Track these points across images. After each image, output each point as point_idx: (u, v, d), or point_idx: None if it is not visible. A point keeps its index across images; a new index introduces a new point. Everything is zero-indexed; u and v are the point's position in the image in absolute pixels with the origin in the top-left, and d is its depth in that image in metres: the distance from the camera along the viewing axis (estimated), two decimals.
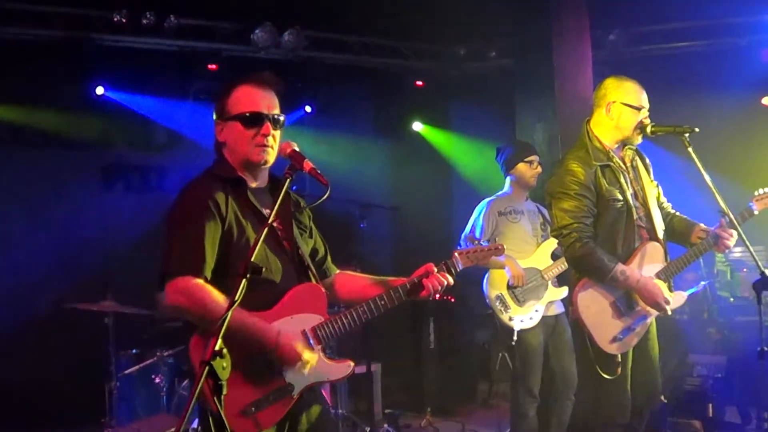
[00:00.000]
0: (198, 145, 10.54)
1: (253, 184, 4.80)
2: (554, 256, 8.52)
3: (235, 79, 4.84)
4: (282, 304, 4.64)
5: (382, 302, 4.86)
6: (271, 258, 4.66)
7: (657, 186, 6.79)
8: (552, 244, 8.51)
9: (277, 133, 4.76)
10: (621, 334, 6.32)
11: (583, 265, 6.39)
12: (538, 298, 8.43)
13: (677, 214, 6.90)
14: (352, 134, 12.55)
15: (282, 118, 4.79)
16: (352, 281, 5.18)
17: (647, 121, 6.46)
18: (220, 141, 4.79)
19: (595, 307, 6.33)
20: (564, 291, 8.42)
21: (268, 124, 4.70)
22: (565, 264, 7.85)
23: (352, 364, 4.87)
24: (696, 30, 11.61)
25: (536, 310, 8.41)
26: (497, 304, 8.38)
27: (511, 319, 8.37)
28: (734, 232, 6.51)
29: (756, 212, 6.75)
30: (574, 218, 6.34)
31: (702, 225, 6.70)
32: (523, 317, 8.38)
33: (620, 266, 6.29)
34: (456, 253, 5.09)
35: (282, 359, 4.52)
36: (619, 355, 6.32)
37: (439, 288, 4.90)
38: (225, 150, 4.80)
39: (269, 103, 4.76)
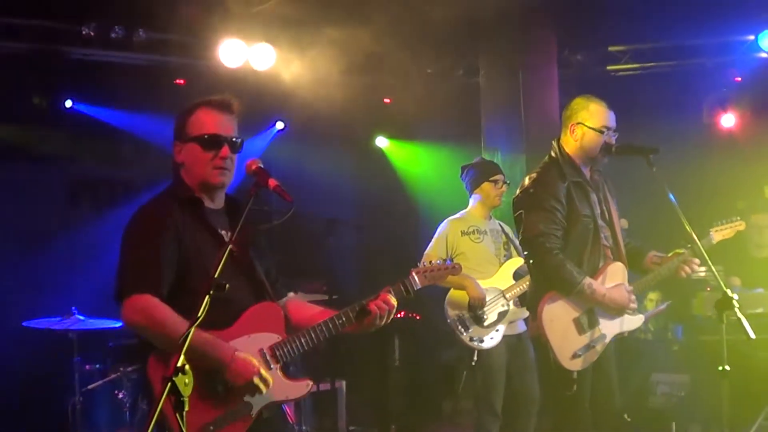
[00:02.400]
0: (166, 160, 10.48)
1: (210, 205, 4.80)
2: (517, 276, 8.53)
3: (194, 100, 4.85)
4: (240, 323, 4.64)
5: (340, 321, 4.84)
6: (229, 277, 4.54)
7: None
8: (514, 263, 8.56)
9: (235, 157, 4.78)
10: (581, 350, 6.36)
11: (552, 276, 6.41)
12: (499, 318, 8.40)
13: (631, 241, 6.98)
14: (319, 150, 12.56)
15: (240, 141, 4.81)
16: (303, 308, 5.13)
17: (611, 141, 6.53)
18: (178, 162, 4.81)
19: (559, 323, 6.37)
20: (523, 310, 8.46)
21: (227, 146, 4.72)
22: (527, 284, 7.93)
23: (311, 383, 4.84)
24: (663, 51, 11.70)
25: (497, 330, 8.39)
26: (457, 324, 8.37)
27: (471, 339, 8.35)
28: (698, 260, 6.60)
29: (714, 242, 6.96)
30: (545, 229, 6.37)
31: (654, 251, 6.79)
32: (483, 337, 8.36)
33: (588, 279, 6.33)
34: (413, 272, 5.08)
35: (236, 378, 4.48)
36: (575, 373, 6.37)
37: (386, 310, 4.86)
38: (182, 171, 4.81)
39: (228, 125, 4.78)
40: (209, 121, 4.74)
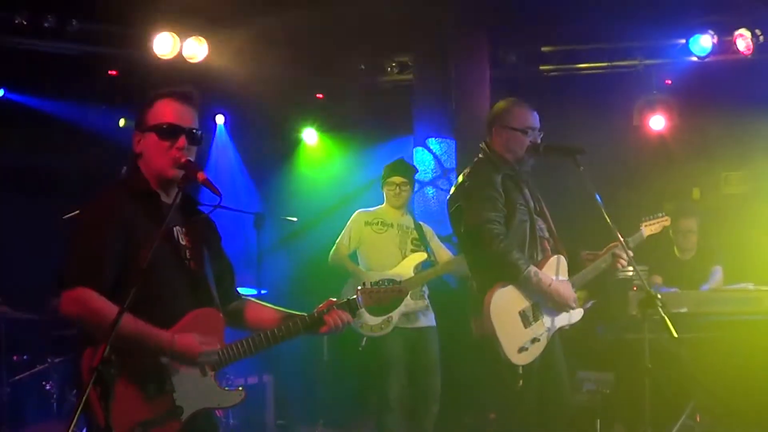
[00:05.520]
0: (97, 150, 10.42)
1: (166, 200, 4.74)
2: (418, 270, 8.81)
3: (157, 90, 4.81)
4: (179, 326, 4.57)
5: (280, 333, 4.86)
6: (174, 278, 4.64)
7: None
8: (418, 258, 8.91)
9: (194, 149, 4.73)
10: (528, 344, 6.41)
11: (498, 263, 6.42)
12: (390, 308, 8.62)
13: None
14: (252, 145, 12.55)
15: (199, 133, 4.77)
16: (261, 311, 5.13)
17: (536, 140, 6.61)
18: (137, 152, 4.74)
19: (506, 316, 6.41)
20: (421, 303, 8.83)
21: (184, 137, 4.66)
22: (424, 280, 8.68)
23: (243, 393, 4.84)
24: (595, 52, 11.80)
25: (387, 320, 8.70)
26: None
27: (361, 326, 8.69)
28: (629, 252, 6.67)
29: (644, 237, 7.05)
30: (489, 217, 6.42)
31: (587, 250, 6.87)
32: (373, 324, 8.71)
33: (534, 268, 6.41)
34: (359, 292, 5.14)
35: (181, 358, 4.49)
36: (521, 368, 6.42)
37: (340, 325, 4.97)
38: (140, 162, 4.75)
39: (188, 117, 4.73)
40: (168, 112, 4.69)
